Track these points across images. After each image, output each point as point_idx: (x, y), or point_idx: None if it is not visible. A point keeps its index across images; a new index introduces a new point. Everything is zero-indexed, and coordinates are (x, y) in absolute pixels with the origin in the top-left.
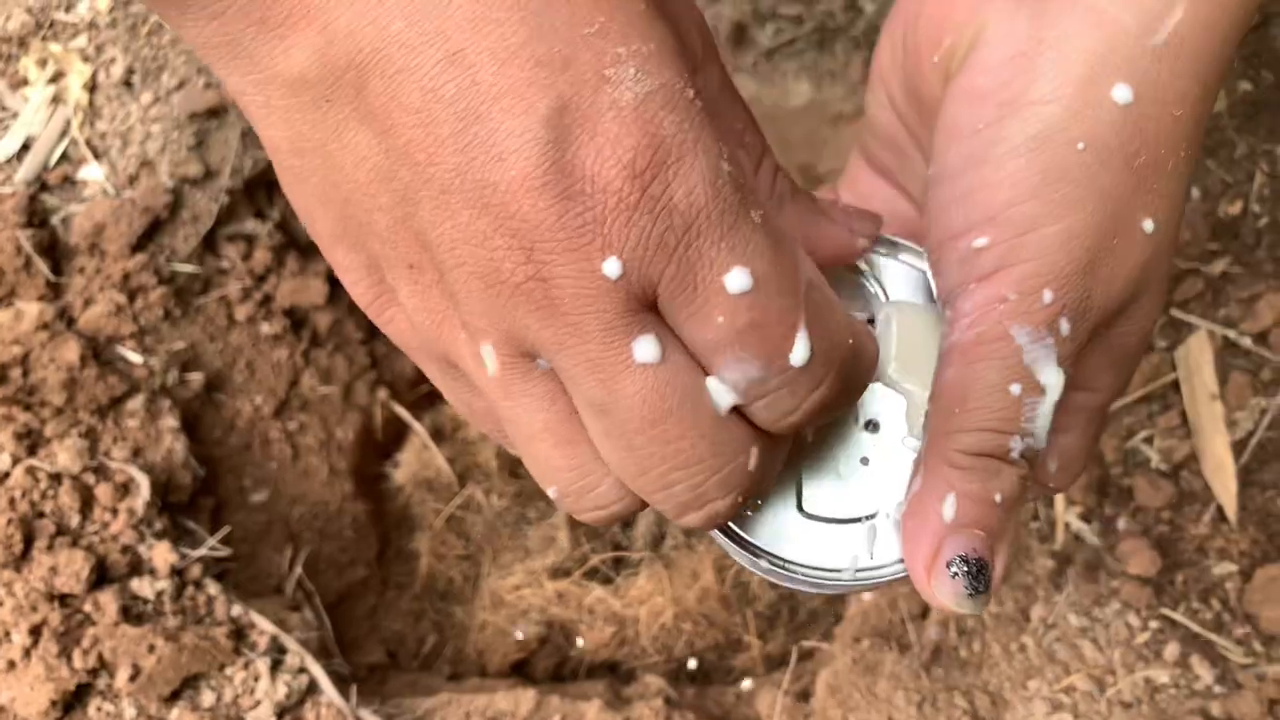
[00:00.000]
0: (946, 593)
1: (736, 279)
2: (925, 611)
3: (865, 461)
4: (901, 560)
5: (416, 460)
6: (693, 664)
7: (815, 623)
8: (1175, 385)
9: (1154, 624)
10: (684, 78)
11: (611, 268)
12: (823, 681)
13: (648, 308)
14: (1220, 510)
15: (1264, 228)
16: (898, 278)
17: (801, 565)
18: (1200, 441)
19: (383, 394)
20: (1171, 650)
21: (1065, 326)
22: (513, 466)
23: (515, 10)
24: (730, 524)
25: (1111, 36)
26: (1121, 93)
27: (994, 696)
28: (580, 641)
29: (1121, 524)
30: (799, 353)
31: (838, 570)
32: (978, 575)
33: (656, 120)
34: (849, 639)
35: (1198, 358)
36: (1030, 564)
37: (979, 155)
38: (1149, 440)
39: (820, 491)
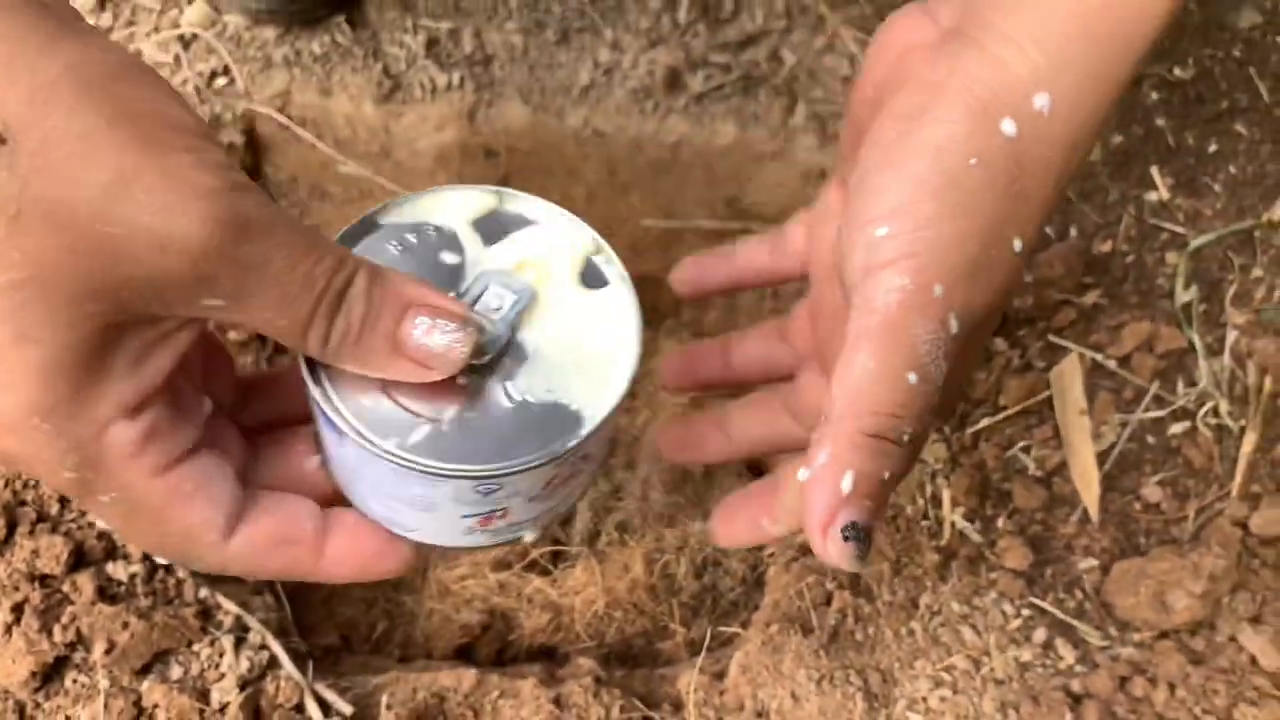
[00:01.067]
0: (841, 554)
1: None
2: (828, 599)
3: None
4: (420, 462)
5: None
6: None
7: (735, 612)
8: (1049, 402)
9: (1025, 611)
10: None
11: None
12: (735, 662)
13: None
14: (1085, 512)
15: (1130, 264)
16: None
17: (352, 421)
18: (1070, 452)
19: None
20: (1039, 634)
21: (954, 324)
22: None
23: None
24: (322, 370)
25: (1007, 80)
26: (1008, 126)
27: (885, 674)
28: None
29: (1000, 523)
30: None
31: (372, 442)
32: (866, 540)
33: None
34: (761, 624)
35: (1070, 378)
36: (920, 558)
37: (889, 159)
38: (1026, 450)
39: (408, 385)
